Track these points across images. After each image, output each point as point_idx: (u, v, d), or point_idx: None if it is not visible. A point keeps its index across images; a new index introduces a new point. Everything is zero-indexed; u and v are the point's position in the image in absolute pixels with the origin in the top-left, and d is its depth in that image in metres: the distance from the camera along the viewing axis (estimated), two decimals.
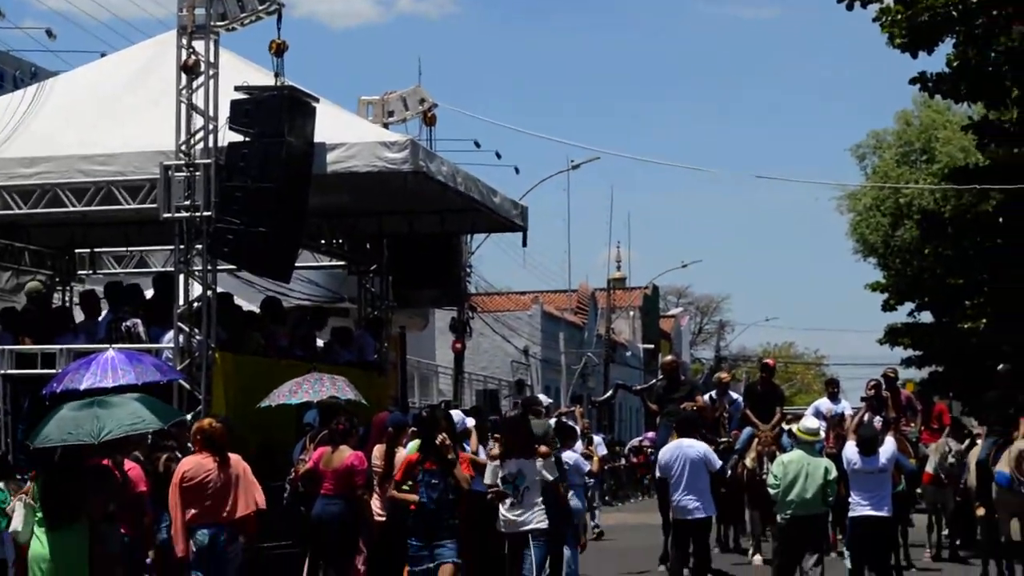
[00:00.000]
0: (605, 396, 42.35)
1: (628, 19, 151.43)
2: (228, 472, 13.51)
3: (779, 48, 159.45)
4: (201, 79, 16.98)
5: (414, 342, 35.97)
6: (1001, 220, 33.65)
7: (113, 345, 16.07)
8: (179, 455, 14.37)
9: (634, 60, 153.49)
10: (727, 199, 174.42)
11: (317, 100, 17.30)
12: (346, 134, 17.47)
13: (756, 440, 22.16)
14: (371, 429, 16.79)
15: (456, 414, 16.73)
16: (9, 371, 17.69)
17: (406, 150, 17.18)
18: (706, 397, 22.91)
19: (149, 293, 19.36)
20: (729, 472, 21.53)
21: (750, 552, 22.90)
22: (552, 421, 18.56)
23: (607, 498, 40.55)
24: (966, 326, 39.03)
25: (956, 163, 44.56)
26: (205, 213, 16.66)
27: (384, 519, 15.59)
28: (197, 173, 16.72)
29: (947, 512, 23.07)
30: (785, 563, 16.49)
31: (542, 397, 24.60)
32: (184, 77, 16.99)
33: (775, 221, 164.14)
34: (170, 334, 17.20)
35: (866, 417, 19.62)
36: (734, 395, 24.25)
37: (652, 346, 71.98)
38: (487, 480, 15.25)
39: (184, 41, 17.04)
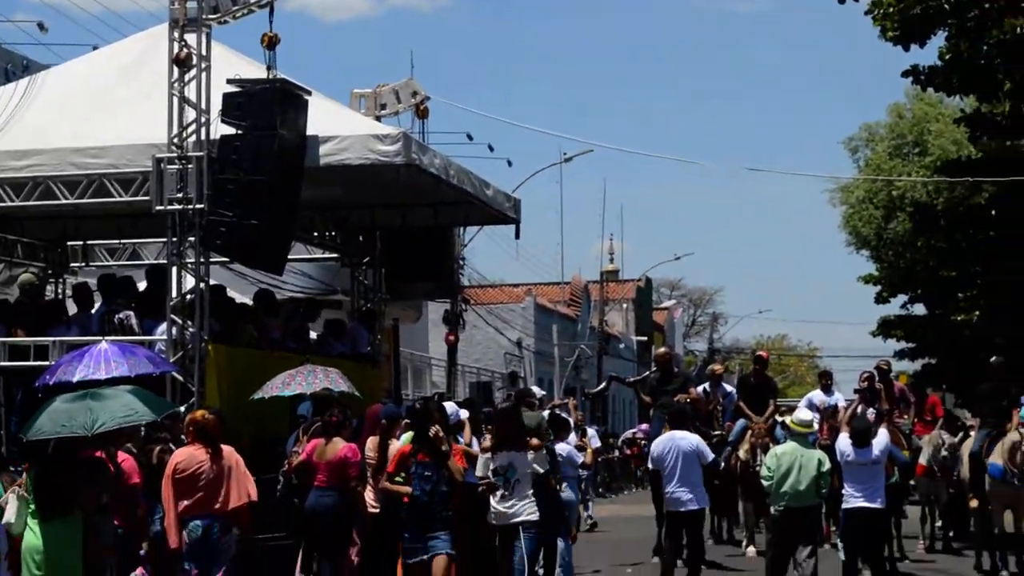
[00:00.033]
0: (598, 388, 42.54)
1: (621, 12, 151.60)
2: (221, 464, 13.52)
3: (772, 41, 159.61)
4: (193, 72, 16.97)
5: (407, 334, 35.95)
6: (994, 212, 33.63)
7: (106, 337, 16.05)
8: (172, 447, 14.38)
9: (627, 53, 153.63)
10: (720, 192, 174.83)
11: (309, 93, 17.30)
12: (338, 127, 17.47)
13: (749, 432, 22.17)
14: (364, 421, 16.77)
15: (450, 406, 16.71)
16: (2, 363, 17.77)
17: (399, 143, 17.19)
18: (699, 389, 22.91)
19: (142, 285, 19.36)
20: (723, 464, 21.55)
21: (744, 544, 22.93)
22: (545, 413, 18.57)
23: (600, 490, 40.59)
24: (959, 318, 39.00)
25: (948, 156, 44.59)
26: (198, 206, 16.65)
27: (378, 511, 15.58)
28: (189, 166, 16.71)
29: (940, 504, 23.09)
30: (779, 555, 16.50)
31: (535, 389, 24.57)
32: (176, 70, 16.97)
33: (768, 214, 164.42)
34: (163, 326, 17.19)
35: (859, 409, 19.66)
36: (727, 387, 24.24)
37: (645, 338, 71.96)
38: (478, 472, 15.26)
39: (176, 34, 17.02)
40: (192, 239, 16.94)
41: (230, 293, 20.31)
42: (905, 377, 31.59)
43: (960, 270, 37.44)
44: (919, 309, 47.03)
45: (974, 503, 20.74)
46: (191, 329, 16.92)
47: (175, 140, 16.87)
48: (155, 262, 20.35)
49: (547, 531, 15.93)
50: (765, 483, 16.48)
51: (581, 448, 20.49)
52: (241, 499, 13.56)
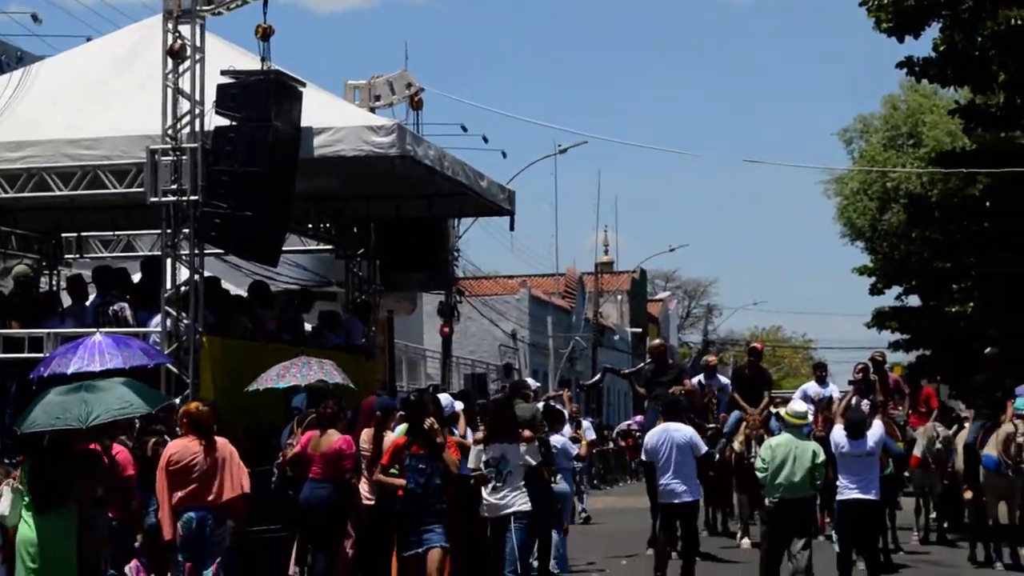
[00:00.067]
0: (593, 380, 42.41)
1: (616, 4, 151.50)
2: (214, 456, 13.51)
3: (767, 33, 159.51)
4: (187, 63, 16.96)
5: (402, 326, 35.96)
6: (988, 204, 33.62)
7: (100, 329, 16.07)
8: (167, 439, 14.37)
9: (622, 44, 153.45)
10: (715, 183, 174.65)
11: (304, 84, 17.28)
12: (333, 118, 17.46)
13: (744, 424, 22.20)
14: (359, 413, 16.78)
15: (444, 398, 16.71)
16: None
17: (393, 134, 17.18)
18: (695, 381, 22.91)
19: (136, 277, 19.34)
20: (717, 456, 21.57)
21: (738, 536, 22.95)
22: (540, 405, 18.57)
23: (595, 482, 40.60)
24: (953, 310, 39.09)
25: (943, 147, 44.55)
26: (192, 197, 16.65)
27: (372, 503, 15.59)
28: (184, 157, 16.71)
29: (935, 495, 23.12)
30: (773, 547, 16.50)
31: (530, 381, 24.58)
32: (170, 61, 16.97)
33: (763, 205, 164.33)
34: (157, 318, 17.19)
35: (854, 400, 19.64)
36: (722, 379, 24.26)
37: (640, 330, 72.03)
38: (470, 464, 15.25)
39: (170, 25, 17.01)
40: (186, 231, 16.94)
41: (224, 285, 20.31)
42: (899, 368, 31.60)
43: (954, 261, 37.49)
44: (914, 300, 47.13)
45: (968, 494, 20.78)
46: (185, 321, 16.92)
47: (169, 131, 16.86)
48: (150, 254, 20.33)
49: (540, 523, 15.94)
50: (760, 475, 16.48)
51: (576, 440, 20.49)
52: (235, 491, 13.54)
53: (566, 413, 20.82)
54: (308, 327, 21.39)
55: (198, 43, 17.02)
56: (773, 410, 21.89)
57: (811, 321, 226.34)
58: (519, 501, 15.05)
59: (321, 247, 23.56)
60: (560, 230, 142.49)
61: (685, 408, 19.03)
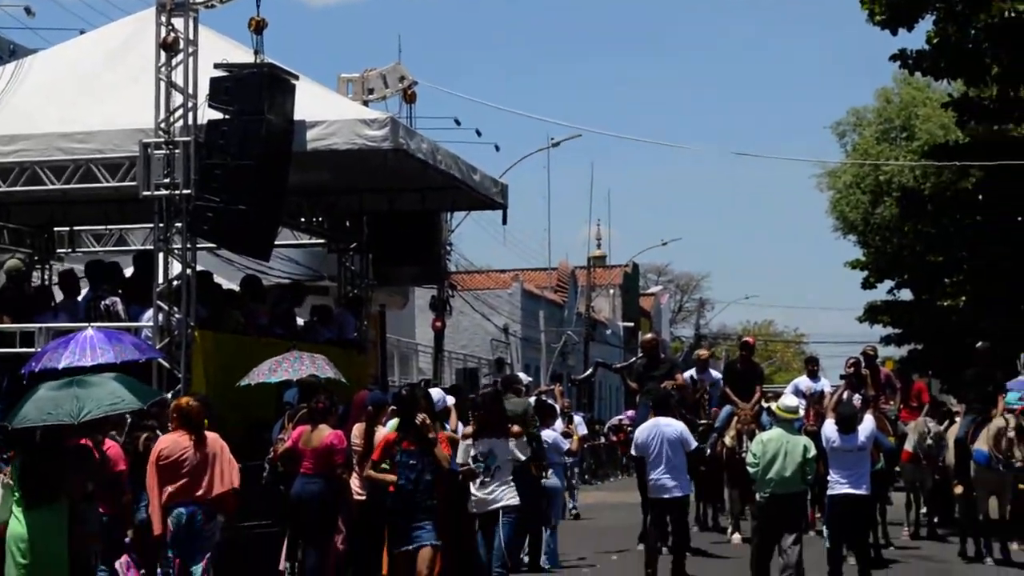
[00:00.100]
0: (585, 374, 42.52)
1: None
2: (204, 450, 13.49)
3: (760, 25, 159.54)
4: (180, 56, 16.94)
5: (394, 320, 35.91)
6: (981, 197, 33.64)
7: (92, 324, 16.01)
8: (159, 434, 14.35)
9: (616, 38, 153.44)
10: (707, 177, 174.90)
11: (297, 77, 17.27)
12: (326, 112, 17.45)
13: (736, 418, 22.19)
14: (351, 408, 16.76)
15: (436, 392, 16.72)
16: None
17: (386, 128, 17.17)
18: (686, 375, 22.91)
19: (129, 271, 19.31)
20: (709, 450, 21.58)
21: (729, 531, 22.97)
22: (532, 400, 18.58)
23: (587, 477, 40.60)
24: (945, 304, 39.05)
25: (936, 140, 44.56)
26: (185, 191, 16.63)
27: (364, 498, 15.58)
28: (176, 151, 16.69)
29: (925, 490, 23.15)
30: (764, 541, 16.49)
31: (522, 375, 24.60)
32: (163, 54, 16.95)
33: (755, 199, 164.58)
34: (149, 312, 17.17)
35: (845, 395, 19.65)
36: (714, 374, 24.26)
37: (632, 324, 71.98)
38: (459, 459, 15.24)
39: (163, 18, 16.99)
40: (179, 225, 16.92)
41: (217, 279, 20.28)
42: (891, 363, 31.61)
43: (947, 255, 37.47)
44: (906, 295, 47.09)
45: (959, 489, 20.78)
46: (177, 315, 16.90)
47: (162, 125, 16.84)
48: (142, 248, 20.31)
49: (530, 518, 15.93)
50: (751, 469, 16.47)
51: (567, 435, 20.52)
52: (225, 486, 13.52)
53: (558, 408, 20.86)
54: (300, 321, 21.38)
55: (191, 36, 17.00)
56: (764, 405, 21.90)
57: (803, 315, 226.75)
58: (507, 496, 15.04)
59: (313, 241, 23.58)
60: (553, 224, 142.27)
61: (676, 403, 19.04)
